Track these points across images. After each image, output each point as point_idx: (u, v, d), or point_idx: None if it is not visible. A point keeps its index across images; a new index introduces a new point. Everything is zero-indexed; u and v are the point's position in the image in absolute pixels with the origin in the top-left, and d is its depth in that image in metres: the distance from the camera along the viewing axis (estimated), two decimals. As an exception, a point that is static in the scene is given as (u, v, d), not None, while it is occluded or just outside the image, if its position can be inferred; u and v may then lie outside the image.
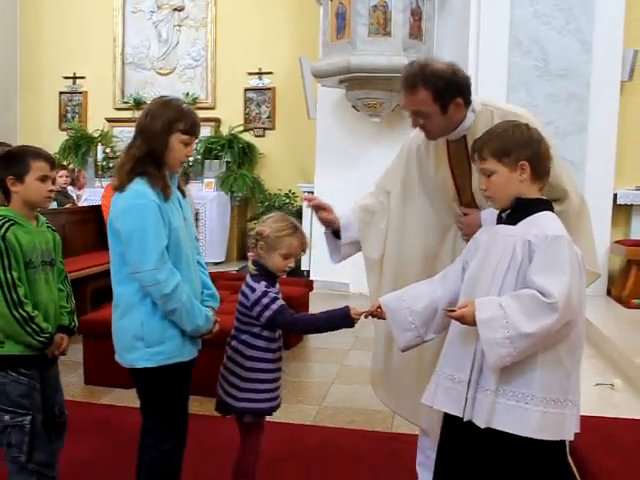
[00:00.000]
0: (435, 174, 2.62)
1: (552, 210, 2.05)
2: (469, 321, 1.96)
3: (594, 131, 6.29)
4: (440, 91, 2.34)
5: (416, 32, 6.86)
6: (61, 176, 7.22)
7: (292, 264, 2.56)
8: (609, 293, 6.52)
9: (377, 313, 2.37)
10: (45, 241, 2.58)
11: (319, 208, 2.66)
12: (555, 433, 1.94)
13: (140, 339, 2.34)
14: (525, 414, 1.92)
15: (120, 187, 2.33)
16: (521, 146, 2.00)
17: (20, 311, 2.39)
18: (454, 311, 2.01)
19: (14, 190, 2.47)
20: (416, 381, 2.62)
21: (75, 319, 2.69)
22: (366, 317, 2.41)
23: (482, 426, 1.96)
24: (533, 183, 2.03)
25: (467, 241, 2.51)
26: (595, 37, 6.20)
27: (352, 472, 3.13)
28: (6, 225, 2.42)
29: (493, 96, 5.86)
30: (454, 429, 2.10)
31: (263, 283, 2.48)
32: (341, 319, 2.41)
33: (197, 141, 9.42)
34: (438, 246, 2.65)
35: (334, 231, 2.73)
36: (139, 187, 2.29)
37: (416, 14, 6.81)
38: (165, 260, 2.27)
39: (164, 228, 2.29)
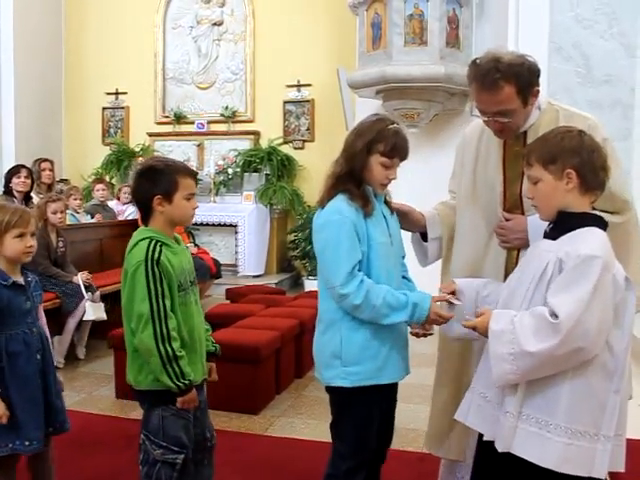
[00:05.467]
0: (485, 172, 2.48)
1: (602, 226, 1.90)
2: (482, 331, 1.91)
3: (640, 138, 6.07)
4: (523, 83, 2.21)
5: (453, 40, 6.73)
6: (98, 190, 7.36)
7: None
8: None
9: (450, 299, 2.26)
10: (187, 260, 2.43)
11: (399, 212, 2.56)
12: (580, 468, 1.79)
13: (338, 357, 2.30)
14: (546, 443, 1.79)
15: (321, 203, 2.34)
16: (569, 153, 1.88)
17: (167, 346, 2.22)
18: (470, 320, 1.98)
19: (160, 210, 2.30)
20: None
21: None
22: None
23: (500, 450, 1.87)
24: (582, 195, 1.90)
25: (505, 249, 2.41)
26: (640, 40, 5.99)
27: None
28: (158, 248, 2.25)
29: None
30: (486, 449, 2.01)
31: None
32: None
33: (236, 154, 9.56)
34: (482, 253, 2.50)
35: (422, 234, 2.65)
36: (337, 203, 2.29)
37: (453, 22, 6.69)
38: (354, 275, 2.21)
39: (359, 244, 2.25)
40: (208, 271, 6.71)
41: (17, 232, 2.46)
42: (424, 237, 2.66)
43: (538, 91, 2.27)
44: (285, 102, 9.63)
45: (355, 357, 2.28)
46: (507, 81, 2.19)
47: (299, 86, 9.52)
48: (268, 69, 9.55)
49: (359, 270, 2.25)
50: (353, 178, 2.31)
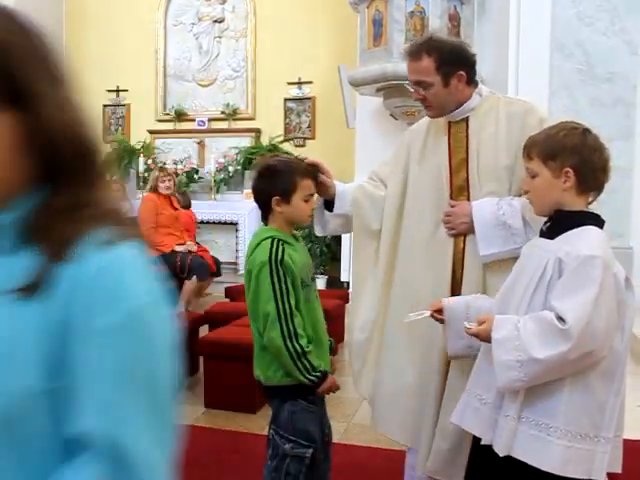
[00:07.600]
0: (431, 160, 2.50)
1: (600, 225, 1.87)
2: (484, 339, 1.87)
3: (643, 136, 6.04)
4: (443, 60, 2.32)
5: (454, 38, 6.71)
6: (99, 188, 7.35)
7: None
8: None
9: (436, 316, 2.20)
10: (307, 256, 2.46)
11: (316, 168, 2.50)
12: (580, 471, 1.77)
13: None
14: (547, 446, 1.77)
15: None
16: (570, 151, 1.84)
17: (295, 344, 2.25)
18: (472, 328, 1.93)
19: (278, 210, 2.33)
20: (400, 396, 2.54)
21: None
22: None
23: (500, 454, 1.83)
24: (579, 195, 1.87)
25: (452, 236, 2.42)
26: (642, 38, 5.96)
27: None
28: (281, 248, 2.27)
29: (534, 101, 5.71)
30: (482, 453, 1.98)
31: None
32: None
33: (237, 151, 9.50)
34: (428, 243, 2.50)
35: (327, 202, 2.65)
36: None
37: (454, 19, 6.65)
38: None
39: None
40: (208, 269, 6.69)
41: None
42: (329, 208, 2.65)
43: (462, 76, 2.35)
44: (286, 99, 9.58)
45: None
46: (428, 54, 2.33)
47: (300, 83, 9.48)
48: (269, 66, 9.51)
49: None
50: None
